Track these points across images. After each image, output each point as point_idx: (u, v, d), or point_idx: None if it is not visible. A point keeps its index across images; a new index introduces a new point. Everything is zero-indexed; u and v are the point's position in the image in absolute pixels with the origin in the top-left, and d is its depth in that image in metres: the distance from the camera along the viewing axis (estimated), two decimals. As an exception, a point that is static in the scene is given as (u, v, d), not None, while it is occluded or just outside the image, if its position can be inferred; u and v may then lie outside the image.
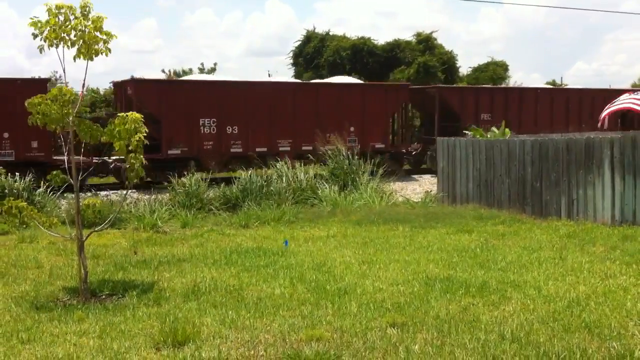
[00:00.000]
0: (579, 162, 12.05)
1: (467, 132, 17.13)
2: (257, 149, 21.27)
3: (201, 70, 43.03)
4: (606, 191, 11.62)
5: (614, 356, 5.08)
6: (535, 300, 6.59)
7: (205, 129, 20.90)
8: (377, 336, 5.55)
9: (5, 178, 14.04)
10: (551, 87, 31.94)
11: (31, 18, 6.90)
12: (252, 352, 5.29)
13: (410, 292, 6.97)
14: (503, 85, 36.35)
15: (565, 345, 5.28)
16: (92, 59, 7.03)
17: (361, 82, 27.18)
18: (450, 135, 25.31)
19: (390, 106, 24.23)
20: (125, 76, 21.62)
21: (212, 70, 43.48)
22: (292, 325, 5.89)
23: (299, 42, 47.59)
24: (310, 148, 21.76)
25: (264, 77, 41.94)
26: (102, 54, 7.02)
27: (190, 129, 20.46)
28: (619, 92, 30.15)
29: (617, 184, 11.47)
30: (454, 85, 31.99)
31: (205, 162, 20.51)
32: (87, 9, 6.96)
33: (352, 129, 23.05)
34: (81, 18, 6.90)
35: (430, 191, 16.29)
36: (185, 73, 41.90)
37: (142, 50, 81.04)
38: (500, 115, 25.64)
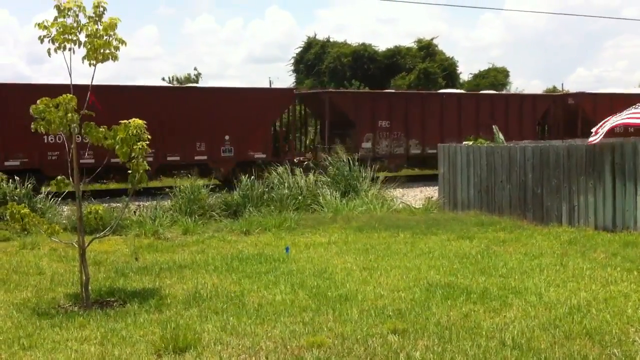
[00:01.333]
0: (580, 168, 12.06)
1: (466, 142, 17.05)
2: (113, 160, 19.00)
3: (187, 78, 42.90)
4: (607, 197, 11.62)
5: (615, 363, 5.09)
6: (536, 307, 6.59)
7: (50, 138, 18.56)
8: (378, 343, 5.56)
9: (7, 184, 14.06)
10: (460, 92, 30.03)
11: (38, 24, 6.87)
12: (253, 358, 5.29)
13: (411, 299, 6.97)
14: (404, 90, 34.23)
15: (566, 351, 5.29)
16: (102, 62, 6.99)
17: (240, 86, 25.29)
18: (342, 144, 22.85)
19: (271, 113, 22.21)
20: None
21: (198, 76, 43.39)
22: (293, 332, 5.89)
23: (299, 49, 47.75)
24: (178, 158, 20.43)
25: (264, 84, 42.00)
26: (111, 58, 7.00)
27: (31, 138, 17.12)
28: (531, 97, 28.30)
29: (618, 190, 11.47)
30: (347, 90, 29.50)
31: (50, 175, 18.40)
32: (101, 9, 6.92)
33: (227, 137, 21.22)
34: (95, 19, 6.85)
35: (432, 197, 16.30)
36: (187, 80, 41.96)
37: (143, 57, 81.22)
38: (400, 122, 24.19)
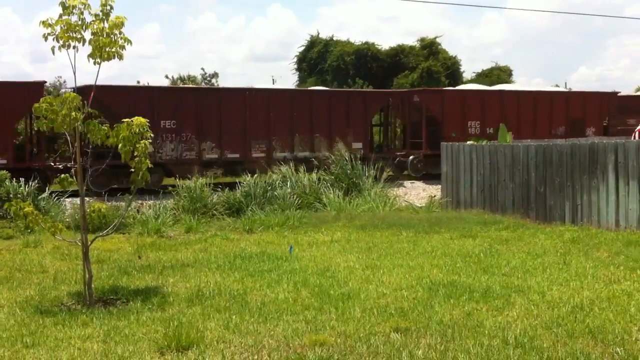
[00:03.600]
0: (583, 167, 12.04)
1: (469, 141, 17.02)
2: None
3: (203, 77, 42.82)
4: (610, 196, 11.61)
5: (618, 362, 5.08)
6: (539, 306, 6.59)
7: None
8: (380, 341, 5.56)
9: (10, 182, 14.08)
10: (273, 87, 25.77)
11: (42, 21, 6.87)
12: (256, 356, 5.30)
13: (414, 297, 6.97)
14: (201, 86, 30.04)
15: (569, 350, 5.28)
16: (107, 60, 6.99)
17: None
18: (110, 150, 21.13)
19: (10, 110, 18.53)
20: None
21: (215, 76, 43.24)
22: (295, 330, 5.90)
23: (302, 48, 47.72)
24: None
25: (267, 82, 41.94)
26: (117, 57, 7.00)
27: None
28: (360, 94, 25.04)
29: (621, 189, 11.46)
30: (119, 84, 24.40)
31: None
32: (109, 7, 6.92)
33: None
34: (102, 17, 6.84)
35: (434, 196, 16.29)
36: (189, 78, 41.94)
37: (145, 55, 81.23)
38: (190, 123, 20.79)
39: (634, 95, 32.11)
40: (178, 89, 22.64)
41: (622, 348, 5.32)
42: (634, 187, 11.29)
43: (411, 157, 24.02)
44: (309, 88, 27.44)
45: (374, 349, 5.37)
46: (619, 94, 29.96)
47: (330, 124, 22.86)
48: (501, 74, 47.53)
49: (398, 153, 24.62)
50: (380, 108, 25.38)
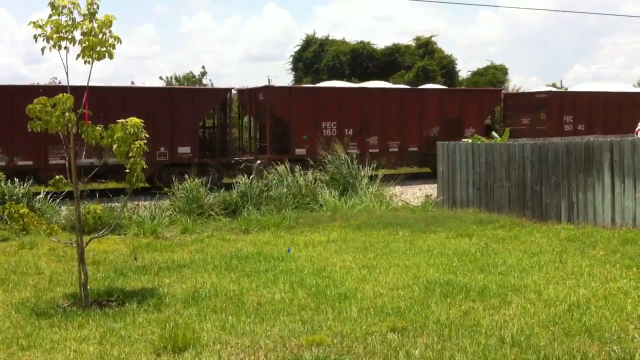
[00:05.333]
0: (579, 166, 12.06)
1: (466, 139, 17.01)
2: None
3: (193, 76, 42.69)
4: (606, 194, 11.62)
5: (615, 360, 5.09)
6: (535, 304, 6.59)
7: None
8: (377, 341, 5.55)
9: (5, 184, 14.03)
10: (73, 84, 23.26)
11: (32, 22, 6.85)
12: (253, 357, 5.29)
13: (411, 297, 6.97)
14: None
15: (565, 349, 5.29)
16: (98, 60, 6.96)
17: None
18: None
19: None
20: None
21: (204, 74, 43.14)
22: (292, 331, 5.89)
23: (298, 47, 47.73)
24: None
25: (262, 82, 41.88)
26: (107, 56, 6.97)
27: None
28: (188, 92, 22.74)
29: (617, 187, 11.47)
30: None
31: None
32: (95, 6, 6.89)
33: None
34: (89, 16, 6.83)
35: (430, 195, 16.30)
36: (185, 78, 41.89)
37: (140, 56, 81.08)
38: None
39: (527, 93, 29.49)
40: None
41: (618, 346, 5.32)
42: (629, 185, 11.31)
43: (257, 162, 21.90)
44: (121, 85, 24.36)
45: (370, 349, 5.37)
46: (502, 91, 28.00)
47: (147, 126, 20.87)
48: (497, 72, 47.62)
49: (245, 157, 22.77)
50: (219, 107, 23.01)
